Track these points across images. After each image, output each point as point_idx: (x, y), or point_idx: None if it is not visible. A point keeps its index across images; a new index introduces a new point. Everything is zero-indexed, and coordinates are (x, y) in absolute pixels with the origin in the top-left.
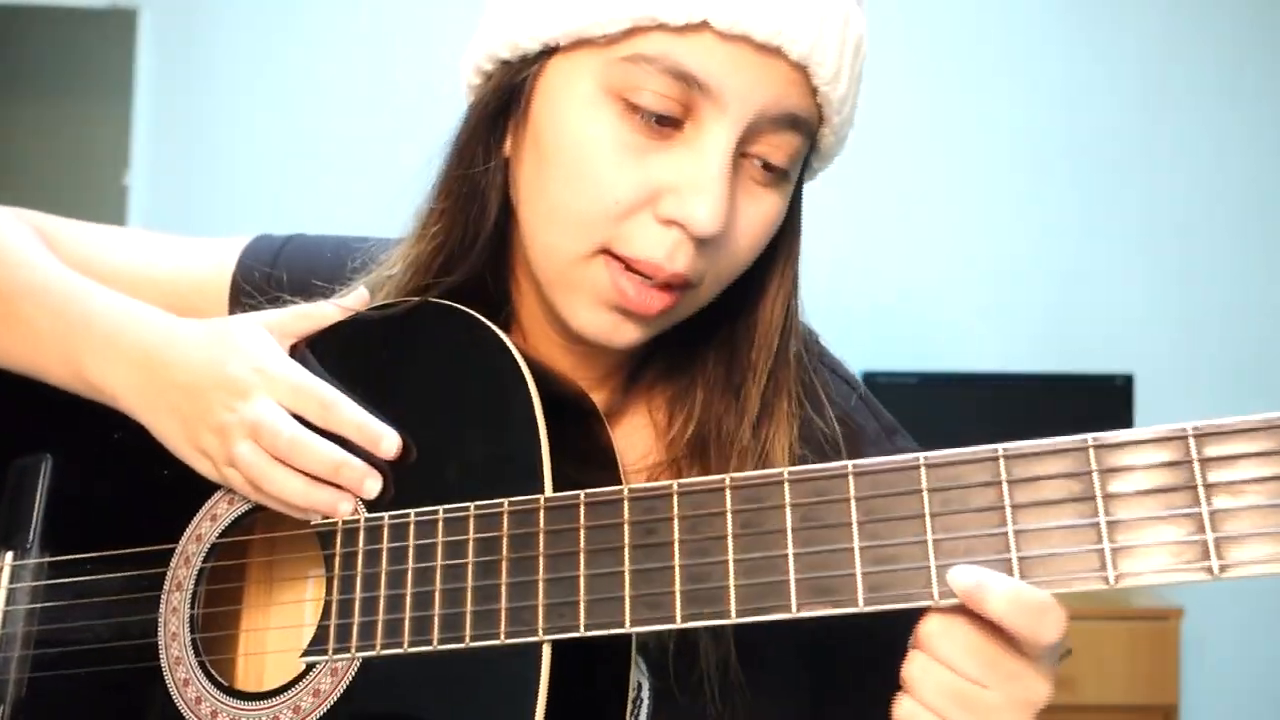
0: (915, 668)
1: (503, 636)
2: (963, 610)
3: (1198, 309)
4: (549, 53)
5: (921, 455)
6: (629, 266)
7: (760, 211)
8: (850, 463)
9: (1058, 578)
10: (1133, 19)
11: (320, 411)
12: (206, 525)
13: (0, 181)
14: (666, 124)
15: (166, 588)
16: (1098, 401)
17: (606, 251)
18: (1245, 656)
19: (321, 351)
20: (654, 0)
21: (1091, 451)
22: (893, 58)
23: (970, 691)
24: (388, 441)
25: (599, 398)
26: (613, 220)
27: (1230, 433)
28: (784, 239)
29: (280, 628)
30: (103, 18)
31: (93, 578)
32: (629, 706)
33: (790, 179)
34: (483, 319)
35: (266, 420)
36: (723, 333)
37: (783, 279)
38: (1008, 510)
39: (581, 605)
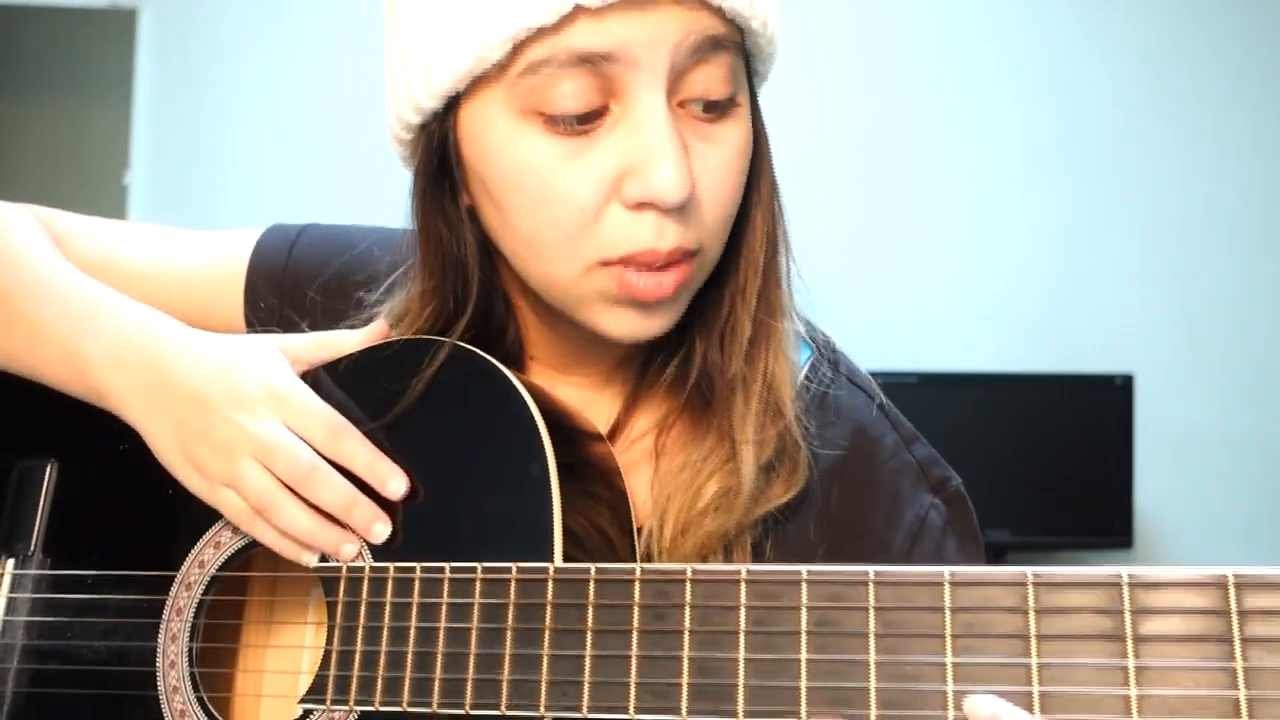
0: None
1: (503, 708)
2: None
3: (1198, 309)
4: (455, 102)
5: (947, 571)
6: (627, 264)
7: (725, 152)
8: (872, 569)
9: (1078, 717)
10: (1134, 19)
11: (329, 441)
12: (210, 552)
13: (0, 181)
14: (592, 118)
15: (166, 615)
16: (1098, 401)
17: (601, 263)
18: None
19: (334, 383)
20: (522, 11)
21: (1125, 589)
22: (893, 57)
23: None
24: (395, 482)
25: (618, 389)
26: (588, 228)
27: (1272, 585)
28: (759, 164)
29: (277, 671)
30: (103, 18)
31: (93, 596)
32: None
33: (739, 102)
34: (501, 367)
35: (285, 444)
36: (716, 273)
37: (759, 193)
38: (1032, 640)
39: (586, 686)
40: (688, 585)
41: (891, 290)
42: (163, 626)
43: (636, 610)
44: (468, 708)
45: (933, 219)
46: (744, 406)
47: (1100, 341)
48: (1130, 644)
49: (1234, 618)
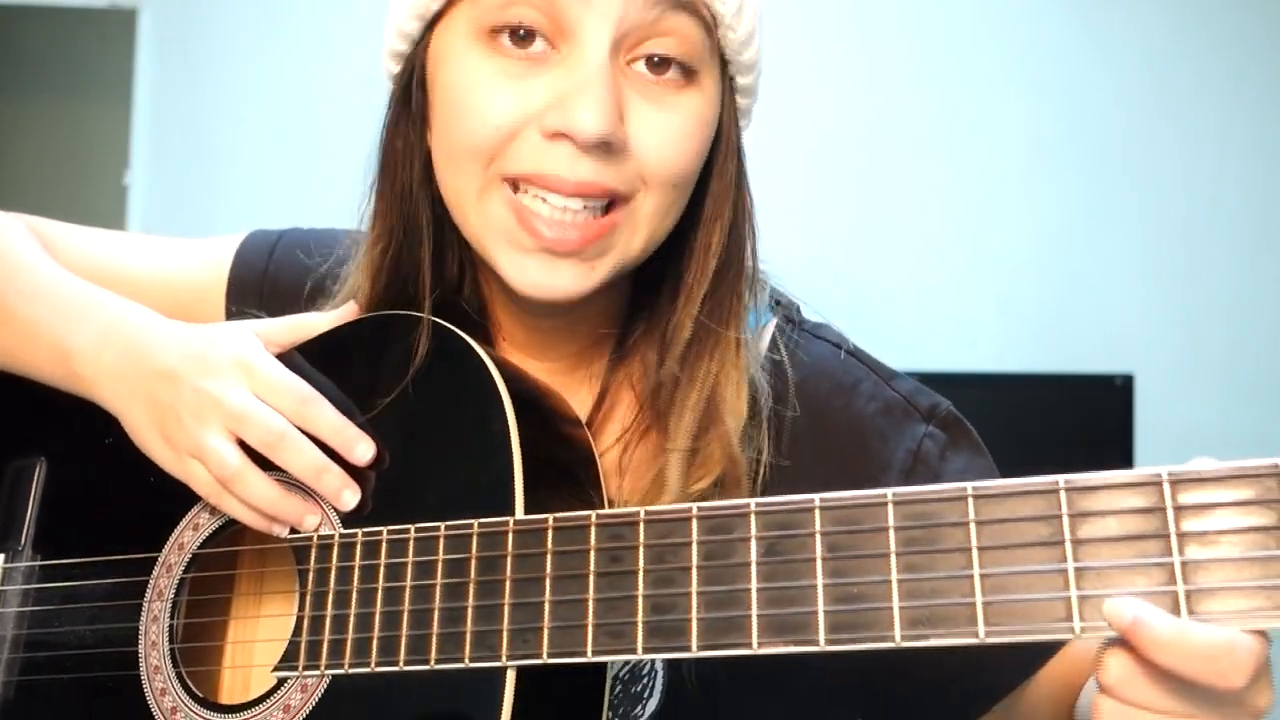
0: (1106, 711)
1: (467, 660)
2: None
3: (1199, 309)
4: (430, 27)
5: (890, 492)
6: (529, 190)
7: (671, 116)
8: (818, 496)
9: (1021, 626)
10: (1136, 18)
11: (297, 408)
12: (189, 534)
13: (0, 181)
14: (532, 39)
15: (148, 596)
16: (1098, 401)
17: (503, 177)
18: None
19: (304, 362)
20: None
21: (1063, 494)
22: (895, 55)
23: None
24: (363, 448)
25: (589, 372)
26: (501, 145)
27: (1206, 480)
28: (718, 161)
29: (264, 641)
30: (103, 18)
31: (79, 583)
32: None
33: (700, 83)
34: (460, 333)
35: (256, 411)
36: (671, 274)
37: (717, 204)
38: (974, 553)
39: (545, 632)
40: (641, 526)
41: (892, 290)
42: (145, 609)
43: (593, 554)
44: (433, 662)
45: (933, 219)
46: (679, 413)
47: (1100, 341)
48: (1069, 547)
49: (1170, 513)
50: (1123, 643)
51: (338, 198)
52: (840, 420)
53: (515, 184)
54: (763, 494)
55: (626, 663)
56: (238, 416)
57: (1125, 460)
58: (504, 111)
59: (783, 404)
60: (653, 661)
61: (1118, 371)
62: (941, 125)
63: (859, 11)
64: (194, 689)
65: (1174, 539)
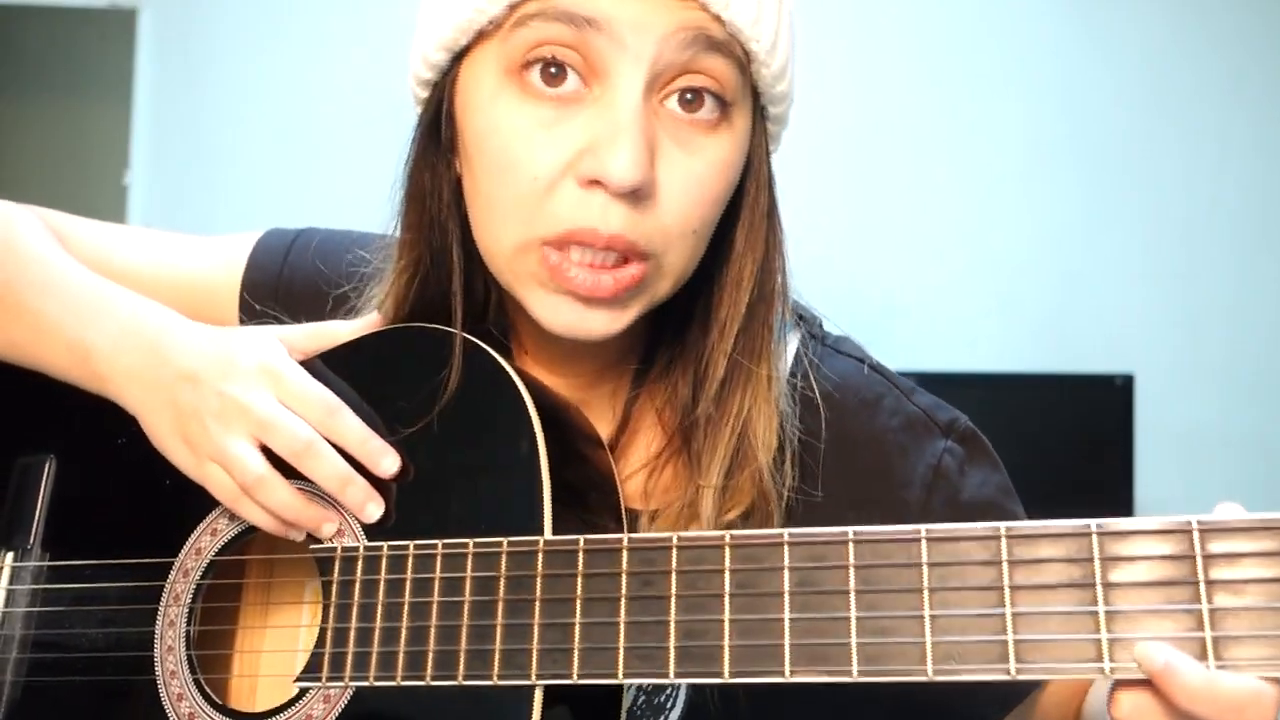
0: None
1: (495, 678)
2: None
3: (1199, 309)
4: (459, 59)
5: (924, 528)
6: (570, 246)
7: (699, 163)
8: (851, 530)
9: (1052, 664)
10: (1136, 19)
11: (324, 418)
12: (206, 539)
13: (0, 181)
14: (563, 76)
15: (164, 601)
16: (1098, 401)
17: (542, 242)
18: None
19: (329, 370)
20: None
21: (1095, 538)
22: (895, 55)
23: None
24: (388, 461)
25: (610, 389)
26: (540, 199)
27: (1234, 530)
28: (749, 194)
29: (274, 651)
30: (103, 18)
31: (92, 585)
32: None
33: (731, 121)
34: (489, 350)
35: (283, 419)
36: (700, 303)
37: (750, 237)
38: (1006, 591)
39: (576, 653)
40: (674, 552)
41: (892, 290)
42: (161, 613)
43: (624, 578)
44: (460, 678)
45: (933, 219)
46: (711, 450)
47: (1100, 341)
48: (1100, 590)
49: (1199, 561)
50: (1139, 681)
51: (338, 197)
52: (863, 436)
53: (550, 245)
54: (788, 516)
55: None
56: (264, 424)
57: (1125, 460)
58: (544, 163)
59: (808, 425)
60: None
61: (1118, 371)
62: (941, 126)
63: (859, 12)
64: (212, 695)
65: (1202, 586)
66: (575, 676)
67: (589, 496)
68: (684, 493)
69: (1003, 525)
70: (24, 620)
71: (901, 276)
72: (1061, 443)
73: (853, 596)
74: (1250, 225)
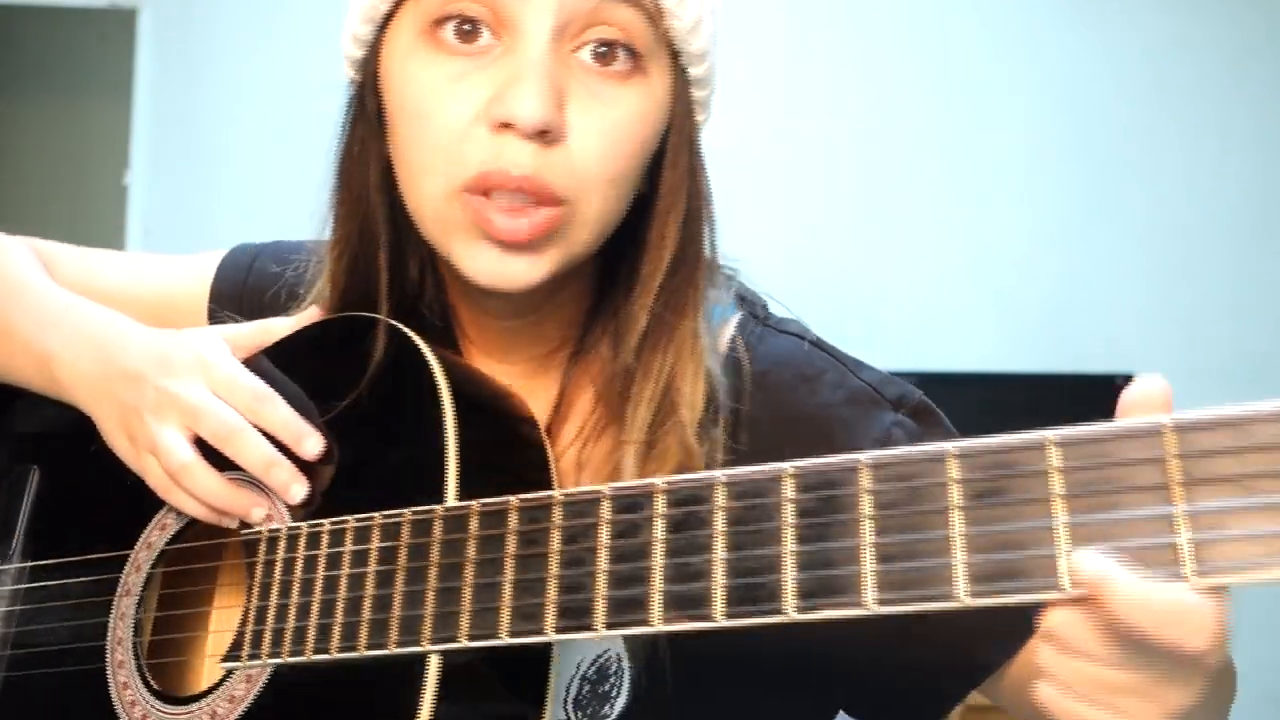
0: (1047, 658)
1: (392, 646)
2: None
3: (1198, 309)
4: (383, 29)
5: (789, 466)
6: (489, 191)
7: (612, 111)
8: (721, 473)
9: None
10: (1135, 16)
11: (251, 403)
12: (156, 534)
13: (0, 181)
14: (477, 32)
15: (118, 593)
16: (1097, 401)
17: (463, 188)
18: (1245, 657)
19: (268, 365)
20: None
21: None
22: (893, 52)
23: (1110, 675)
24: (311, 442)
25: (554, 376)
26: (454, 147)
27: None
28: (669, 153)
29: (219, 632)
30: (102, 17)
31: (59, 582)
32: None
33: (647, 73)
34: (407, 331)
35: (210, 406)
36: (625, 267)
37: (672, 196)
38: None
39: (464, 615)
40: (556, 508)
41: (891, 289)
42: (114, 604)
43: (511, 537)
44: (361, 648)
45: (931, 219)
46: (634, 406)
47: (1099, 341)
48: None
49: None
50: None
51: None
52: (804, 412)
53: (470, 191)
54: None
55: (586, 656)
56: (193, 412)
57: None
58: (455, 113)
59: (743, 400)
60: (619, 659)
61: (1117, 371)
62: (939, 125)
63: (858, 10)
64: (152, 682)
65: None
66: (463, 639)
67: (518, 476)
68: (612, 459)
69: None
70: (4, 620)
71: (900, 276)
72: None
73: (719, 538)
74: (1249, 225)
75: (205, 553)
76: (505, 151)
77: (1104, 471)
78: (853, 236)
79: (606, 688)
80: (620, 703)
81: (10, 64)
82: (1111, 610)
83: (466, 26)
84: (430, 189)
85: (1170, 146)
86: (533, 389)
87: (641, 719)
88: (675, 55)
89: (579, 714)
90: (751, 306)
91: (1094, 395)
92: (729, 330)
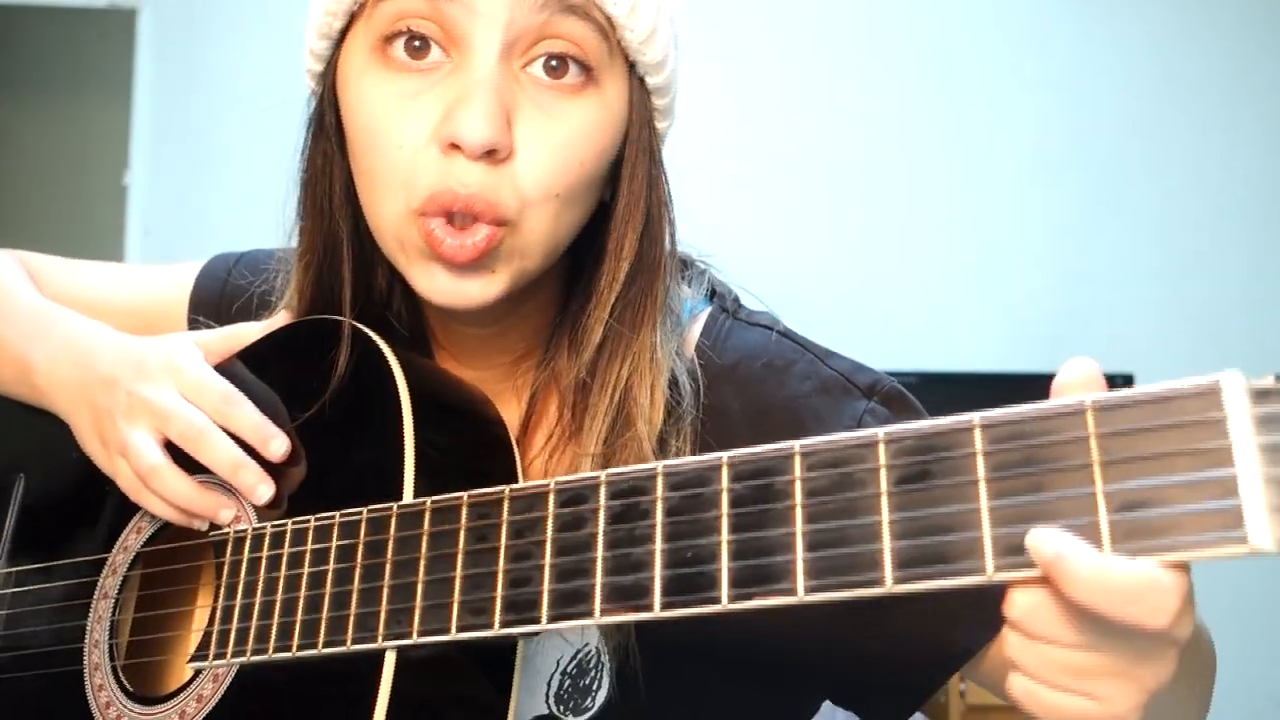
0: (1015, 647)
1: (349, 643)
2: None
3: (1199, 308)
4: (339, 45)
5: (726, 455)
6: (439, 214)
7: (560, 126)
8: (661, 464)
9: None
10: (1141, 11)
11: (220, 405)
12: (133, 538)
13: (0, 181)
14: (427, 48)
15: (96, 596)
16: None
17: (416, 211)
18: (1244, 657)
19: (239, 368)
20: None
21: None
22: (897, 54)
23: (1079, 659)
24: (277, 443)
25: (523, 381)
26: (408, 169)
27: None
28: (627, 163)
29: (200, 631)
30: (102, 17)
31: (41, 586)
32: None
33: (600, 85)
34: (370, 334)
35: (179, 409)
36: (584, 276)
37: (629, 206)
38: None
39: (417, 611)
40: (505, 502)
41: (893, 289)
42: (92, 607)
43: (462, 533)
44: (320, 645)
45: (934, 220)
46: (591, 418)
47: (1101, 341)
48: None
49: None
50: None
51: None
52: (774, 401)
53: (423, 214)
54: None
55: (548, 650)
56: (162, 415)
57: None
58: (407, 133)
59: (715, 398)
60: (598, 653)
61: (1118, 371)
62: (944, 124)
63: (862, 10)
64: (126, 684)
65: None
66: (415, 635)
67: (483, 473)
68: (573, 465)
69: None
70: None
71: (904, 276)
72: None
73: (659, 529)
74: (1252, 225)
75: (180, 554)
76: (454, 172)
77: (1028, 452)
78: (856, 236)
79: (587, 681)
80: (602, 695)
81: (10, 64)
82: (1068, 590)
83: (416, 43)
84: (388, 210)
85: (1177, 145)
86: (503, 394)
87: (623, 711)
88: (631, 65)
89: (560, 708)
90: (722, 300)
91: None
92: (699, 324)
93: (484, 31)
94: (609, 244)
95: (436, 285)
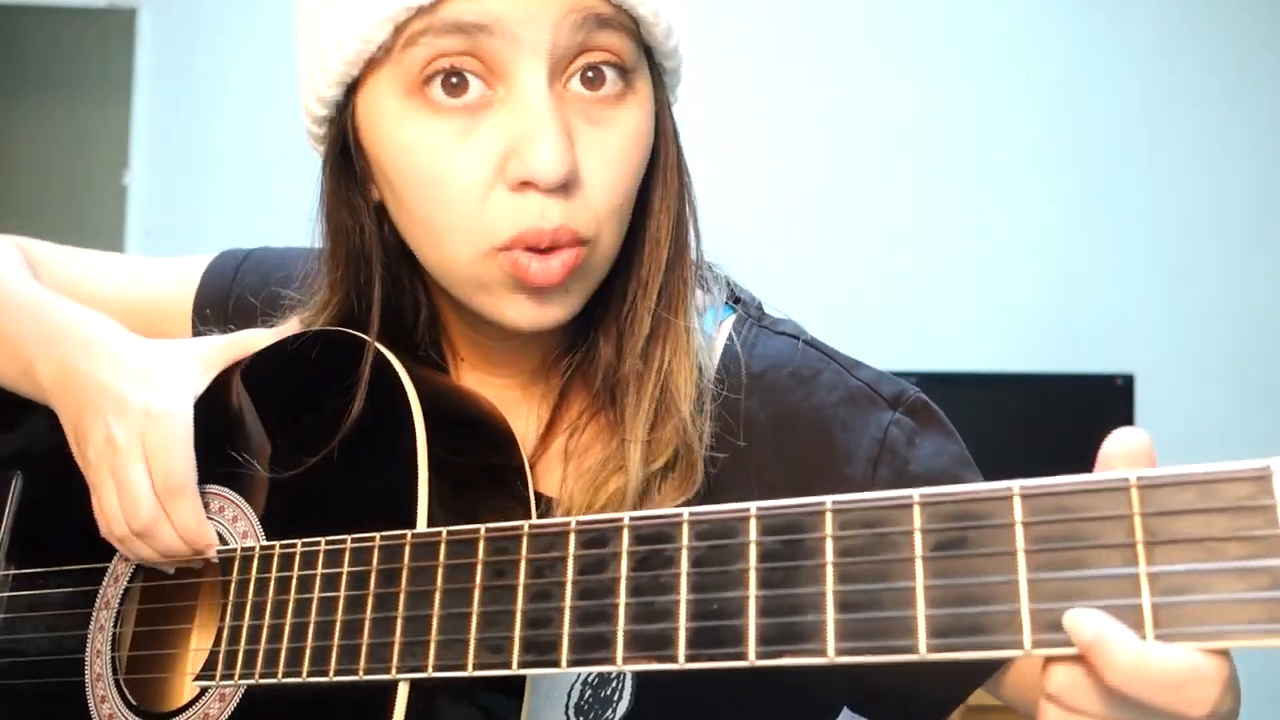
0: (1050, 718)
1: (361, 673)
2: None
3: (1198, 308)
4: (353, 90)
5: (754, 506)
6: (515, 247)
7: (615, 136)
8: (686, 510)
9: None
10: (1135, 15)
11: (164, 494)
12: None
13: (0, 181)
14: (465, 85)
15: (97, 605)
16: (1097, 401)
17: (494, 249)
18: (1244, 656)
19: (243, 378)
20: None
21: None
22: (895, 54)
23: None
24: (209, 553)
25: (548, 386)
26: (477, 211)
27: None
28: (660, 153)
29: (200, 650)
30: (102, 17)
31: (41, 592)
32: None
33: (635, 88)
34: (385, 351)
35: (131, 488)
36: (620, 267)
37: (665, 194)
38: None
39: (432, 645)
40: (524, 539)
41: (892, 290)
42: (93, 616)
43: (479, 568)
44: (331, 674)
45: (933, 219)
46: (635, 404)
47: (1101, 341)
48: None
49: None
50: (1076, 655)
51: None
52: (801, 412)
53: (504, 250)
54: (715, 483)
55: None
56: (119, 481)
57: None
58: (468, 174)
59: (738, 394)
60: None
61: (1118, 371)
62: (940, 125)
63: (861, 10)
64: (129, 697)
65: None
66: (430, 669)
67: (496, 499)
68: (607, 447)
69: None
70: None
71: (903, 277)
72: (1061, 443)
73: (684, 578)
74: (1249, 224)
75: (183, 568)
76: (533, 210)
77: (1069, 526)
78: (856, 238)
79: (608, 692)
80: (623, 706)
81: (10, 64)
82: (1107, 677)
83: (454, 80)
84: (458, 252)
85: (1177, 145)
86: (524, 400)
87: None
88: (649, 52)
89: (580, 718)
90: (746, 307)
91: (1095, 395)
92: (725, 331)
93: (529, 61)
94: (647, 233)
95: (520, 314)
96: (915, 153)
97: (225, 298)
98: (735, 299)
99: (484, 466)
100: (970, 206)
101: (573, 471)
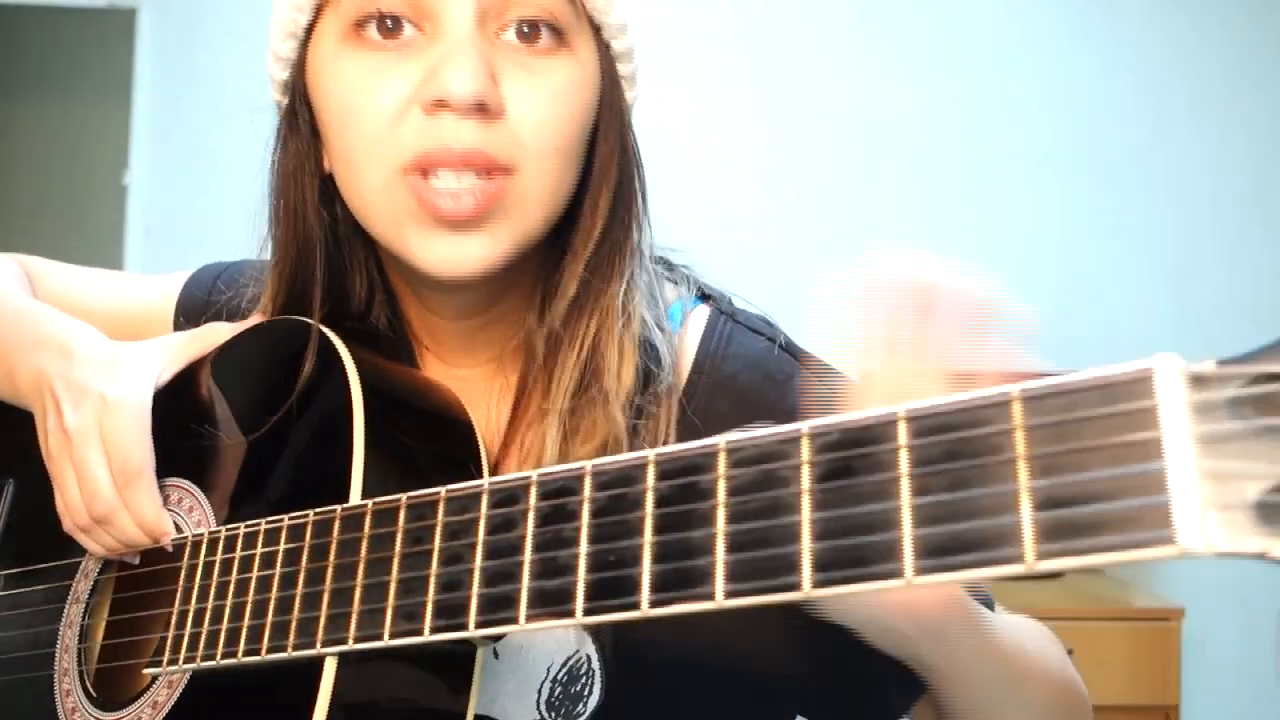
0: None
1: (290, 649)
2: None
3: (1198, 309)
4: (305, 44)
5: (652, 453)
6: (425, 172)
7: (544, 81)
8: (589, 462)
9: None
10: (1135, 15)
11: (121, 479)
12: None
13: (0, 181)
14: (400, 28)
15: (68, 601)
16: None
17: (401, 170)
18: (1246, 656)
19: (204, 371)
20: None
21: (805, 440)
22: (895, 55)
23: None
24: (164, 540)
25: (512, 379)
26: (388, 133)
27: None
28: (601, 127)
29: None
30: (102, 17)
31: (21, 590)
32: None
33: (573, 48)
34: (330, 335)
35: (88, 477)
36: (559, 242)
37: (604, 166)
38: (806, 494)
39: (354, 616)
40: (441, 504)
41: None
42: (65, 612)
43: (399, 535)
44: (264, 651)
45: (929, 216)
46: (559, 372)
47: (1101, 341)
48: (806, 497)
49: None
50: None
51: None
52: (773, 415)
53: (410, 172)
54: None
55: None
56: (78, 469)
57: None
58: (386, 99)
59: (710, 402)
60: (589, 659)
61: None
62: (939, 125)
63: (857, 6)
64: (91, 689)
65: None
66: (351, 641)
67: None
68: (539, 424)
69: (721, 438)
70: None
71: None
72: None
73: (584, 529)
74: (1252, 225)
75: (147, 557)
76: (445, 129)
77: (953, 446)
78: (852, 233)
79: (578, 688)
80: (593, 701)
81: (10, 64)
82: None
83: (388, 23)
84: (370, 179)
85: (1169, 149)
86: (491, 391)
87: (614, 718)
88: (597, 30)
89: (551, 714)
90: (718, 303)
91: None
92: (698, 327)
93: (458, 5)
94: (585, 204)
95: (436, 252)
96: (911, 150)
97: (203, 308)
98: (705, 295)
99: (433, 451)
100: (966, 204)
101: (514, 462)
